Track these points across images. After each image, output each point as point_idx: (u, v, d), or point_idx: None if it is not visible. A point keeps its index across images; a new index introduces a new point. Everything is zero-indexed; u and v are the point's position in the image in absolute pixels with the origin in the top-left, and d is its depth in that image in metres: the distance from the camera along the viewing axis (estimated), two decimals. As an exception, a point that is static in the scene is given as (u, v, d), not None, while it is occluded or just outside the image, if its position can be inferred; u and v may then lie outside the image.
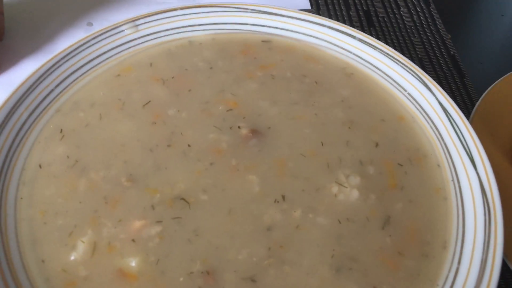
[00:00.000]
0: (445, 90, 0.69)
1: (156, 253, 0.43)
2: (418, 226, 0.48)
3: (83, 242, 0.43)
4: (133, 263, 0.42)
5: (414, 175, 0.51)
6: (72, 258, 0.43)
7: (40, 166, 0.49)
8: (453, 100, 0.68)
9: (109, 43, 0.59)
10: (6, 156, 0.49)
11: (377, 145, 0.52)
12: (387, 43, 0.76)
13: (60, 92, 0.55)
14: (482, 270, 0.43)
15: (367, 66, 0.60)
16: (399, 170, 0.51)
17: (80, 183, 0.47)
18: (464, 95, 0.70)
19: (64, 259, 0.43)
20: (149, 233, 0.44)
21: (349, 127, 0.53)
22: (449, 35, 0.78)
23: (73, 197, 0.46)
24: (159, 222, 0.45)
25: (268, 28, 0.63)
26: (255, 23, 0.63)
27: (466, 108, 0.68)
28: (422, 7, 0.82)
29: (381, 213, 0.48)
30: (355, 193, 0.48)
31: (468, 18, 0.84)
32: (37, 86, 0.54)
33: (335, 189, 0.48)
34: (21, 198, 0.47)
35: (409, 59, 0.73)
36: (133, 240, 0.44)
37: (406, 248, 0.46)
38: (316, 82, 0.57)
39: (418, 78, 0.57)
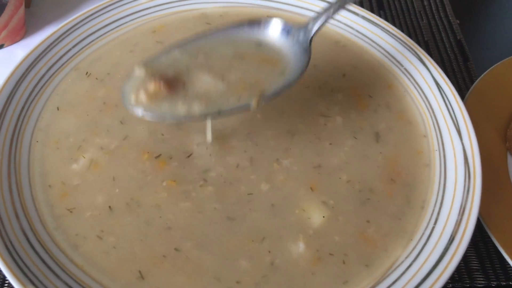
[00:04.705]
0: (448, 72, 0.72)
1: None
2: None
3: (84, 157, 0.50)
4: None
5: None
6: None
7: (58, 109, 0.54)
8: (455, 81, 0.71)
9: (125, 10, 0.63)
10: (23, 105, 0.53)
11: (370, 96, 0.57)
12: (395, 26, 0.78)
13: (78, 51, 0.59)
14: (455, 232, 0.45)
15: (366, 41, 0.62)
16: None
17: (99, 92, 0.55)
18: (466, 78, 0.71)
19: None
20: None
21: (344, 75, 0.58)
22: (458, 21, 0.79)
23: (85, 111, 0.54)
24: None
25: (274, 3, 0.66)
26: (262, -3, 0.66)
27: (467, 89, 0.70)
28: (433, -7, 0.84)
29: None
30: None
31: (478, 5, 0.85)
32: (56, 45, 0.58)
33: None
34: (37, 141, 0.51)
35: (415, 42, 0.76)
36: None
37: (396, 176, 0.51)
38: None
39: (415, 54, 0.59)
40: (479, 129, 0.57)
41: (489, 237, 0.53)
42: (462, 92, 0.69)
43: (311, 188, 0.49)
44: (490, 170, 0.56)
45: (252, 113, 0.53)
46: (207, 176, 0.49)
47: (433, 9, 0.81)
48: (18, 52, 0.72)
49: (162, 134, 0.51)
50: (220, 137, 0.52)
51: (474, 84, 0.64)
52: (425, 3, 0.82)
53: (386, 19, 0.79)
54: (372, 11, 0.81)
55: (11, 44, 0.72)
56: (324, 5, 0.65)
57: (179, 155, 0.50)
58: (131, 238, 0.46)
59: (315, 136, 0.52)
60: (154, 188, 0.48)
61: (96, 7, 0.62)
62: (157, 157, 0.50)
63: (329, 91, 0.57)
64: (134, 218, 0.46)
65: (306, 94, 0.56)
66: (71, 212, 0.47)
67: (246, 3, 0.66)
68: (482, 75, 0.65)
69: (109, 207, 0.47)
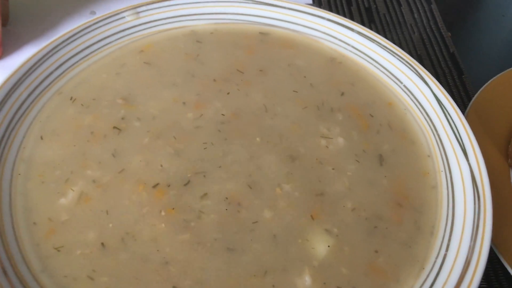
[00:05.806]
0: (443, 86, 0.70)
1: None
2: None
3: (73, 190, 0.46)
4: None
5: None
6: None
7: (41, 138, 0.50)
8: (450, 95, 0.70)
9: (110, 28, 0.60)
10: (4, 134, 0.49)
11: (371, 116, 0.55)
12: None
13: (61, 73, 0.56)
14: (469, 258, 0.43)
15: (362, 58, 0.61)
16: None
17: (85, 119, 0.52)
18: (462, 92, 0.70)
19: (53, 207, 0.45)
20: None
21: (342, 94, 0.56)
22: (449, 33, 0.79)
23: (71, 141, 0.50)
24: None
25: (267, 19, 0.64)
26: (255, 14, 0.64)
27: (463, 104, 0.69)
28: (423, 6, 0.83)
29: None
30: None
31: (469, 17, 0.85)
32: (37, 67, 0.55)
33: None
34: (19, 174, 0.47)
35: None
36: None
37: (403, 200, 0.48)
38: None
39: (414, 71, 0.57)
40: (480, 146, 0.56)
41: (497, 259, 0.51)
42: (459, 107, 0.68)
43: (312, 217, 0.46)
44: (493, 189, 0.55)
45: (251, 136, 0.51)
46: (208, 203, 0.46)
47: (424, 22, 0.80)
48: (-4, 73, 0.68)
49: (161, 165, 0.48)
50: (222, 162, 0.49)
51: (472, 99, 0.63)
52: (416, 16, 0.81)
53: (377, 33, 0.78)
54: (362, 24, 0.80)
55: (-12, 65, 0.68)
56: (317, 20, 0.63)
57: (177, 183, 0.47)
58: (126, 277, 0.42)
59: (317, 161, 0.50)
60: (151, 220, 0.45)
61: (79, 26, 0.59)
62: (154, 186, 0.46)
63: (328, 111, 0.54)
64: (129, 255, 0.43)
65: (304, 115, 0.54)
66: (59, 251, 0.43)
67: (237, 20, 0.63)
68: (480, 90, 0.64)
69: (102, 243, 0.43)
